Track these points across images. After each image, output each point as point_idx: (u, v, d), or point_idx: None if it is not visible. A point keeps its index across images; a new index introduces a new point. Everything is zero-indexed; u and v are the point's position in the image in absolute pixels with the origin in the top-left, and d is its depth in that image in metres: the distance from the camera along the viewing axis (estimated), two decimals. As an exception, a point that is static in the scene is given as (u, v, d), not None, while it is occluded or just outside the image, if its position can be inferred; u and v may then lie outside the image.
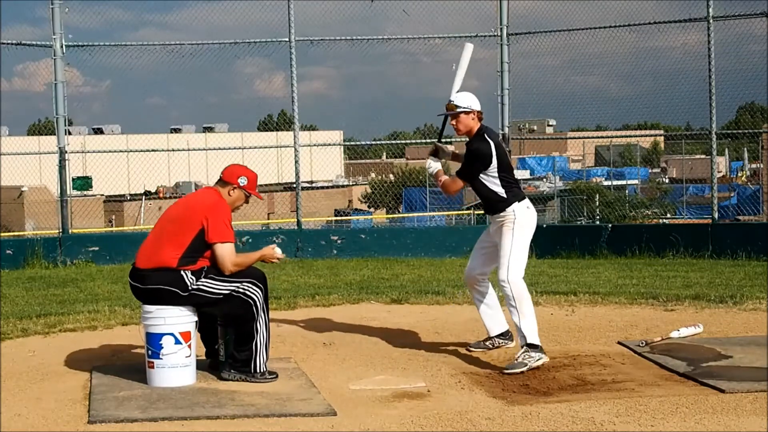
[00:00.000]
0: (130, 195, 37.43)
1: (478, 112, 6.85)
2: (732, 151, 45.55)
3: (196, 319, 6.21)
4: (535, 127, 27.46)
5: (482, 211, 11.50)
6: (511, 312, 6.64)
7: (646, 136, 39.79)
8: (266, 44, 14.93)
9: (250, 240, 13.76)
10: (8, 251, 13.94)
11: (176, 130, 45.60)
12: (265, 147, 18.71)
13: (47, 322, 8.48)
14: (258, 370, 6.19)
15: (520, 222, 6.71)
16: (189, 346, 6.12)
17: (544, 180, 43.41)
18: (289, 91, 14.90)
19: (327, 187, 43.26)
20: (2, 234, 20.92)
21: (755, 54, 14.18)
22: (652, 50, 15.68)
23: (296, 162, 14.94)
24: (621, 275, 11.32)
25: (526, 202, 6.81)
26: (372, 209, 38.92)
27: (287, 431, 5.23)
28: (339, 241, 14.59)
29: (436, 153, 7.08)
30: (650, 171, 46.89)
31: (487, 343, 7.14)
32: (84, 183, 23.98)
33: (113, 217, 36.34)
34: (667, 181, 45.96)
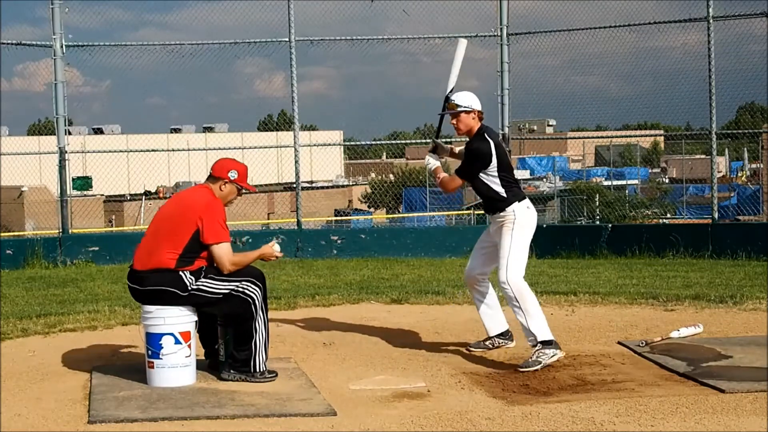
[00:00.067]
0: (130, 195, 37.43)
1: (478, 111, 6.85)
2: (732, 151, 45.55)
3: (195, 318, 6.21)
4: (535, 127, 27.46)
5: (482, 211, 11.50)
6: (517, 314, 6.62)
7: (646, 136, 39.79)
8: (266, 44, 14.94)
9: (250, 240, 13.75)
10: (8, 251, 13.95)
11: (176, 130, 45.59)
12: (265, 147, 18.71)
13: (47, 322, 8.48)
14: (258, 370, 6.19)
15: (520, 222, 6.70)
16: (189, 346, 6.12)
17: (544, 180, 43.40)
18: (289, 91, 14.90)
19: (327, 187, 43.25)
20: (2, 234, 20.92)
21: (755, 54, 14.19)
22: (652, 50, 15.70)
23: (296, 162, 14.94)
24: (621, 275, 11.32)
25: (526, 202, 6.81)
26: (372, 209, 38.91)
27: (287, 431, 5.23)
28: (339, 241, 14.59)
29: (435, 150, 7.09)
30: (650, 171, 46.90)
31: (487, 343, 7.13)
32: (84, 183, 23.99)
33: (113, 217, 36.33)
34: (667, 181, 45.96)
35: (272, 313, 8.52)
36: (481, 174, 6.74)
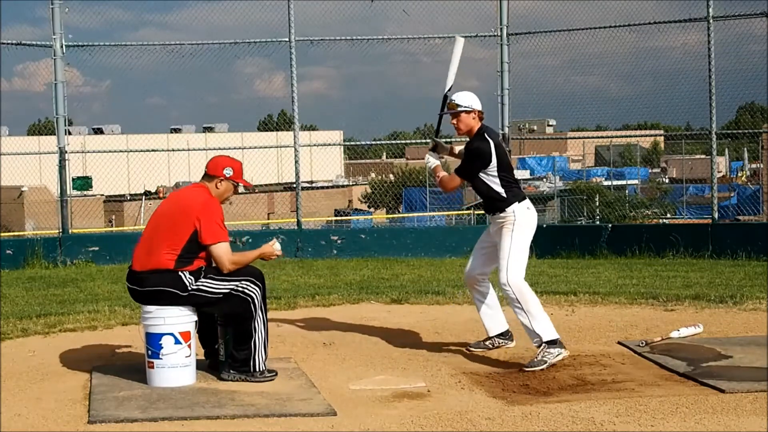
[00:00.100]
0: (130, 195, 37.42)
1: (479, 111, 6.85)
2: (732, 151, 45.55)
3: (195, 318, 6.21)
4: (535, 127, 27.47)
5: (482, 211, 11.50)
6: (519, 315, 6.62)
7: (646, 136, 39.80)
8: (266, 44, 14.94)
9: (250, 240, 13.75)
10: (8, 251, 13.95)
11: (176, 130, 45.58)
12: (265, 147, 18.71)
13: (47, 322, 8.48)
14: (257, 369, 6.19)
15: (520, 223, 6.70)
16: (189, 346, 6.12)
17: (544, 180, 43.41)
18: (289, 91, 14.90)
19: (327, 187, 43.24)
20: (2, 234, 20.92)
21: (755, 54, 14.19)
22: (652, 50, 15.70)
23: (296, 162, 14.94)
24: (621, 275, 11.32)
25: (527, 202, 6.81)
26: (372, 209, 38.91)
27: (287, 431, 5.23)
28: (339, 241, 14.59)
29: (436, 149, 7.09)
30: (650, 171, 46.91)
31: (487, 343, 7.13)
32: (84, 183, 23.97)
33: (113, 217, 36.33)
34: (667, 181, 45.97)
35: (272, 313, 8.53)
36: (481, 174, 6.74)
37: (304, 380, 6.23)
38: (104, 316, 8.70)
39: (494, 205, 6.78)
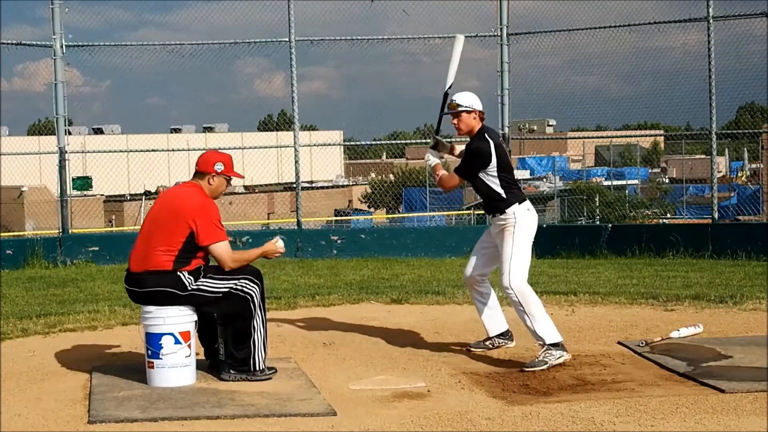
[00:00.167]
0: (130, 195, 37.40)
1: (479, 111, 6.86)
2: (732, 151, 45.56)
3: (195, 318, 6.20)
4: (535, 127, 27.48)
5: (482, 211, 11.50)
6: (523, 318, 6.62)
7: (646, 136, 39.80)
8: (266, 44, 14.94)
9: (250, 240, 13.75)
10: (8, 251, 13.95)
11: (176, 130, 45.57)
12: (265, 147, 18.71)
13: (47, 322, 8.48)
14: (258, 368, 6.19)
15: (521, 225, 6.70)
16: (189, 346, 6.12)
17: (544, 180, 43.43)
18: (289, 91, 14.91)
19: (327, 187, 43.25)
20: (2, 234, 20.92)
21: (755, 54, 14.19)
22: (652, 50, 15.70)
23: (296, 162, 14.94)
24: (621, 275, 11.32)
25: (527, 204, 6.81)
26: (372, 209, 38.92)
27: (287, 431, 5.23)
28: (339, 241, 14.59)
29: (436, 147, 7.10)
30: (650, 171, 46.92)
31: (487, 343, 7.13)
32: (84, 183, 23.95)
33: (113, 217, 36.33)
34: (667, 181, 45.98)
35: (272, 313, 8.53)
36: (480, 174, 6.75)
37: (304, 380, 6.23)
38: (104, 316, 8.70)
39: (494, 205, 6.78)
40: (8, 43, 14.61)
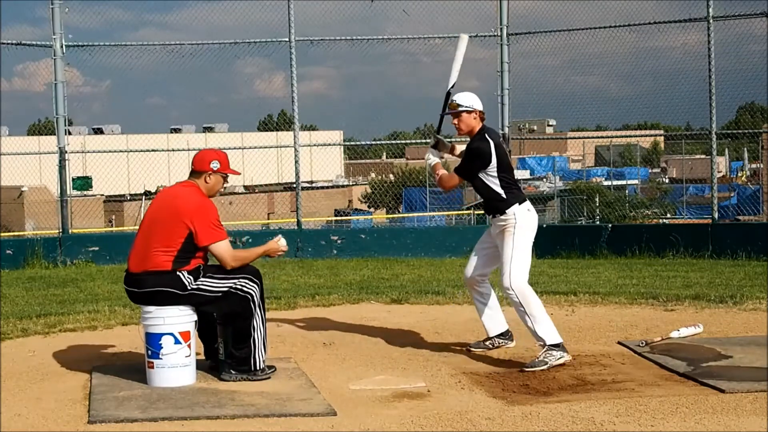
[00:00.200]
0: (130, 195, 37.41)
1: (480, 111, 6.86)
2: (732, 151, 45.56)
3: (195, 318, 6.20)
4: (535, 127, 27.48)
5: (482, 211, 11.51)
6: (524, 319, 6.62)
7: (646, 136, 39.80)
8: (266, 44, 14.94)
9: (250, 240, 13.75)
10: (8, 251, 13.95)
11: (176, 130, 45.57)
12: (265, 147, 18.71)
13: (47, 322, 8.48)
14: (258, 367, 6.19)
15: (521, 225, 6.70)
16: (189, 346, 6.12)
17: (544, 180, 43.43)
18: (289, 91, 14.91)
19: (327, 187, 43.25)
20: (2, 234, 20.92)
21: (755, 54, 14.20)
22: (652, 50, 15.70)
23: (296, 162, 14.94)
24: (621, 275, 11.32)
25: (527, 204, 6.81)
26: (372, 209, 38.92)
27: (287, 431, 5.23)
28: (339, 241, 14.60)
29: (437, 146, 7.10)
30: (650, 171, 46.92)
31: (487, 343, 7.14)
32: (84, 183, 23.96)
33: (113, 217, 36.33)
34: (667, 181, 45.99)
35: (272, 313, 8.53)
36: (481, 174, 6.75)
37: (304, 380, 6.23)
38: (104, 316, 8.70)
39: (494, 206, 6.78)
40: (8, 43, 14.61)
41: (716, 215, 14.13)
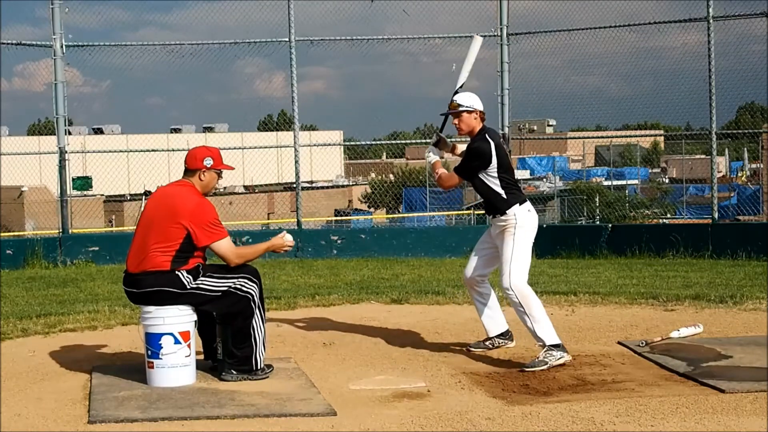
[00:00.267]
0: (130, 195, 37.41)
1: (480, 111, 6.86)
2: (732, 151, 45.59)
3: (195, 318, 6.20)
4: (535, 127, 27.50)
5: (482, 211, 11.52)
6: (523, 319, 6.62)
7: (646, 136, 39.81)
8: (266, 44, 14.94)
9: (249, 240, 13.75)
10: (8, 251, 13.95)
11: (176, 130, 45.57)
12: (265, 147, 18.70)
13: (47, 322, 8.48)
14: (258, 367, 6.19)
15: (522, 225, 6.70)
16: (188, 346, 6.12)
17: (544, 180, 43.45)
18: (289, 91, 14.91)
19: (327, 187, 43.27)
20: (2, 234, 20.92)
21: (755, 54, 14.20)
22: (652, 50, 15.72)
23: (296, 162, 14.94)
24: (621, 275, 11.32)
25: (527, 205, 6.81)
26: (372, 209, 38.94)
27: (287, 431, 5.23)
28: (339, 241, 14.60)
29: (438, 144, 7.10)
30: (650, 171, 46.95)
31: (487, 343, 7.13)
32: (84, 183, 23.98)
33: (113, 217, 36.34)
34: (667, 181, 46.01)
35: (272, 313, 8.54)
36: (481, 174, 6.75)
37: (304, 380, 6.23)
38: (104, 316, 8.70)
39: (495, 206, 6.79)
40: (8, 43, 14.61)
41: (716, 215, 14.13)
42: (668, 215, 33.35)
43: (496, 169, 6.71)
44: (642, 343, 7.12)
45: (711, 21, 13.57)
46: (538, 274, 10.84)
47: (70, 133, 15.73)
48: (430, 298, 9.54)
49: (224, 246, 6.13)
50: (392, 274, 12.03)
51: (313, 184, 40.50)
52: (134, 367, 6.41)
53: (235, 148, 17.65)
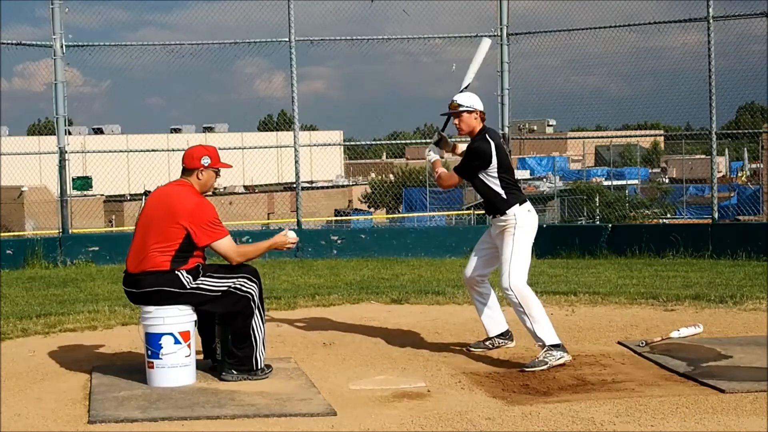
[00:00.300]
0: (130, 195, 37.40)
1: (480, 111, 6.86)
2: (732, 151, 45.59)
3: (195, 318, 6.20)
4: (535, 127, 27.50)
5: (482, 211, 11.52)
6: (523, 320, 6.62)
7: (646, 136, 39.81)
8: (266, 44, 14.95)
9: (249, 240, 13.74)
10: (8, 251, 13.95)
11: (176, 130, 45.57)
12: (265, 147, 18.71)
13: (47, 322, 8.48)
14: (259, 367, 6.19)
15: (522, 226, 6.70)
16: (188, 346, 6.11)
17: (544, 180, 43.46)
18: (289, 91, 14.91)
19: (327, 187, 43.27)
20: (2, 234, 20.92)
21: (755, 54, 14.20)
22: (652, 50, 15.72)
23: (296, 162, 14.94)
24: (621, 275, 11.32)
25: (527, 205, 6.81)
26: (372, 209, 38.94)
27: (287, 431, 5.23)
28: (339, 241, 14.60)
29: (439, 143, 7.10)
30: (650, 171, 46.95)
31: (487, 343, 7.13)
32: (84, 183, 23.97)
33: (113, 217, 36.35)
34: (667, 181, 46.02)
35: (272, 313, 8.54)
36: (481, 174, 6.75)
37: (304, 380, 6.23)
38: (104, 316, 8.70)
39: (494, 206, 6.79)
40: (8, 43, 14.61)
41: (716, 215, 14.13)
42: (668, 215, 33.35)
43: (496, 169, 6.72)
44: (642, 343, 7.12)
45: (711, 21, 13.57)
46: (538, 274, 10.84)
47: (70, 133, 15.73)
48: (430, 298, 9.54)
49: (225, 245, 6.13)
50: (392, 274, 12.03)
51: (313, 184, 40.51)
52: (134, 367, 6.41)
53: (235, 148, 17.65)
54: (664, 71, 15.76)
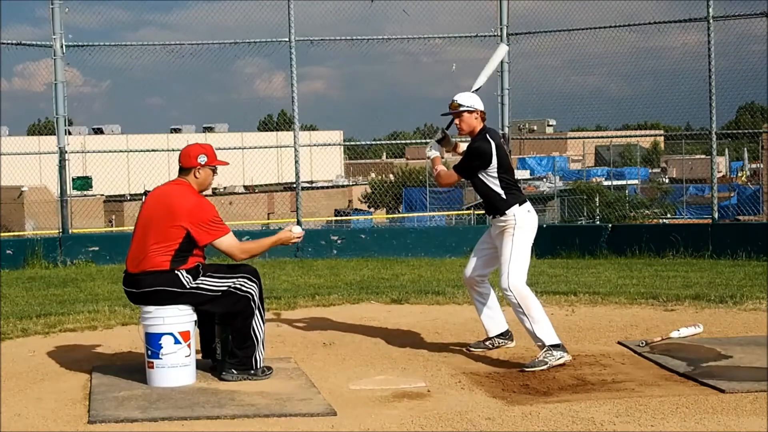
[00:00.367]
0: (130, 195, 37.40)
1: (481, 111, 6.87)
2: (732, 151, 45.60)
3: (195, 318, 6.19)
4: (535, 127, 27.51)
5: (482, 211, 11.52)
6: (522, 320, 6.62)
7: (646, 136, 39.82)
8: (266, 44, 14.95)
9: (249, 240, 13.74)
10: (8, 251, 13.95)
11: (176, 130, 45.55)
12: (265, 147, 18.69)
13: (47, 322, 8.48)
14: (258, 367, 6.19)
15: (521, 226, 6.70)
16: (188, 346, 6.11)
17: (544, 180, 43.47)
18: (289, 91, 14.91)
19: (327, 187, 43.27)
20: (2, 234, 20.92)
21: (755, 54, 14.20)
22: (652, 50, 15.72)
23: (296, 162, 14.94)
24: (621, 275, 11.32)
25: (527, 205, 6.81)
26: (372, 209, 38.94)
27: (287, 431, 5.23)
28: (339, 241, 14.60)
29: (442, 141, 7.11)
30: (650, 171, 46.96)
31: (487, 343, 7.14)
32: (84, 183, 23.97)
33: (113, 217, 36.35)
34: (667, 181, 46.02)
35: (272, 313, 8.54)
36: (481, 174, 6.75)
37: (304, 380, 6.23)
38: (104, 316, 8.70)
39: (494, 206, 6.79)
40: (8, 43, 14.61)
41: (716, 215, 14.13)
42: (668, 215, 33.36)
43: (496, 169, 6.72)
44: (642, 343, 7.12)
45: (711, 21, 13.57)
46: (538, 274, 10.84)
47: (70, 133, 15.73)
48: (430, 298, 9.54)
49: (227, 242, 6.13)
50: (392, 274, 12.03)
51: (313, 184, 40.51)
52: (134, 367, 6.41)
53: (235, 148, 17.65)
54: (664, 71, 15.77)
